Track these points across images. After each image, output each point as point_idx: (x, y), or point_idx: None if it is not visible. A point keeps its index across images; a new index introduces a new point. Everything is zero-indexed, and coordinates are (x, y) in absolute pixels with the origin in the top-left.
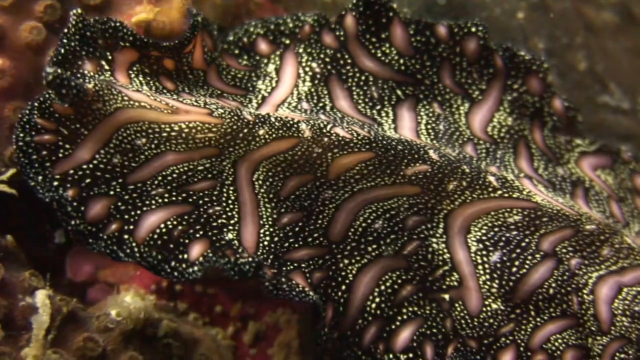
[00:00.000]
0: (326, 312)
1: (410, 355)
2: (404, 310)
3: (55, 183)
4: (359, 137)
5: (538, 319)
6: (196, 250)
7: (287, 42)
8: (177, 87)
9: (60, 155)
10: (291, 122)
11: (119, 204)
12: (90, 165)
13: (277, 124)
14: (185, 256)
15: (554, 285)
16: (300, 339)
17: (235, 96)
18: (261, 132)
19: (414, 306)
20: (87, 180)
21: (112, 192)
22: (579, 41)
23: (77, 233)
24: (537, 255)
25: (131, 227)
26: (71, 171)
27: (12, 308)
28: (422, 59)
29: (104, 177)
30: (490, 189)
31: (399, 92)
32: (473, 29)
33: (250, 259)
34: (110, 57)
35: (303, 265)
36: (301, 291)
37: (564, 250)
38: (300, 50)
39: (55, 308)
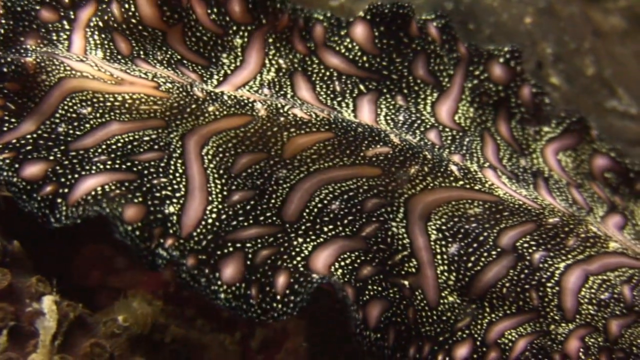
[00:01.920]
0: (274, 282)
1: (378, 335)
2: (370, 287)
3: None
4: (318, 118)
5: (493, 315)
6: (130, 212)
7: (264, 21)
8: (133, 50)
9: (5, 128)
10: (245, 100)
11: (57, 167)
12: (34, 135)
13: (229, 101)
14: (118, 214)
15: (507, 284)
16: (308, 345)
17: (196, 66)
18: (211, 108)
19: (378, 286)
20: (28, 148)
21: (51, 157)
22: (587, 46)
23: (9, 185)
24: (493, 253)
25: (66, 190)
26: (14, 141)
27: (19, 314)
28: (391, 56)
29: (46, 145)
30: (452, 178)
31: (361, 87)
32: (429, 17)
33: (166, 254)
34: (72, 16)
35: (248, 244)
36: (216, 290)
37: (525, 245)
38: (270, 41)
39: (62, 314)
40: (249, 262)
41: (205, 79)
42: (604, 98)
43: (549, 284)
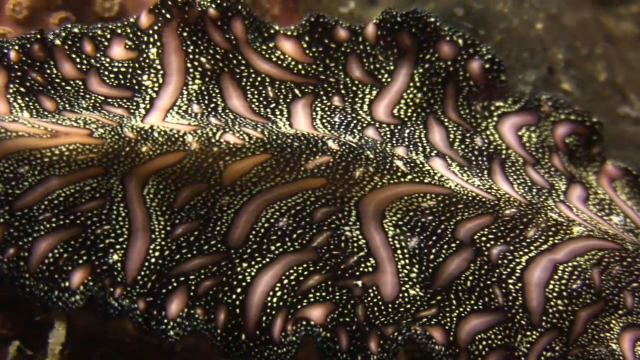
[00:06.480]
0: (216, 316)
1: (328, 335)
2: (311, 296)
3: None
4: (252, 141)
5: (461, 309)
6: (77, 278)
7: (169, 16)
8: (58, 105)
9: None
10: (176, 135)
11: (11, 230)
12: None
13: (160, 139)
14: (67, 284)
15: (471, 278)
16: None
17: (121, 100)
18: (144, 149)
19: (322, 292)
20: None
21: (1, 220)
22: (599, 52)
23: None
24: (453, 245)
25: (26, 254)
26: None
27: (28, 323)
28: (324, 61)
29: None
30: (399, 174)
31: (296, 91)
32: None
33: (117, 304)
34: None
35: (192, 277)
36: (165, 329)
37: (483, 239)
38: (185, 35)
39: (71, 322)
40: (192, 294)
41: (132, 110)
42: (617, 104)
43: (510, 281)
